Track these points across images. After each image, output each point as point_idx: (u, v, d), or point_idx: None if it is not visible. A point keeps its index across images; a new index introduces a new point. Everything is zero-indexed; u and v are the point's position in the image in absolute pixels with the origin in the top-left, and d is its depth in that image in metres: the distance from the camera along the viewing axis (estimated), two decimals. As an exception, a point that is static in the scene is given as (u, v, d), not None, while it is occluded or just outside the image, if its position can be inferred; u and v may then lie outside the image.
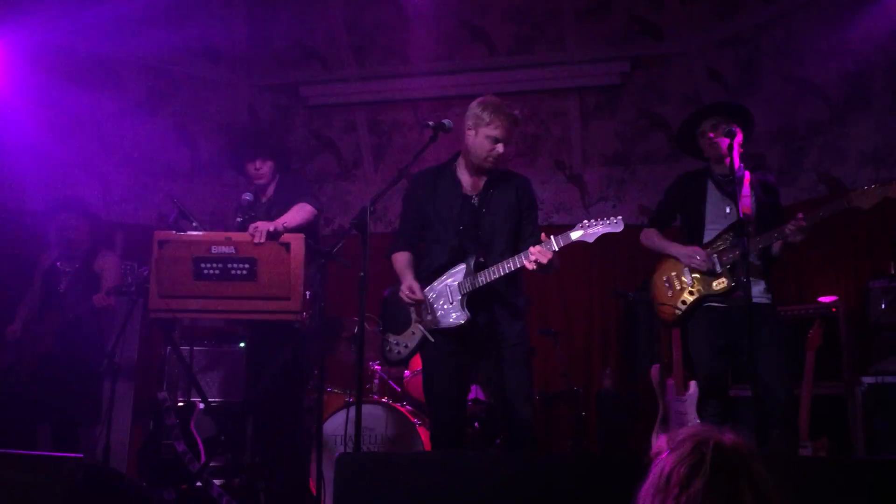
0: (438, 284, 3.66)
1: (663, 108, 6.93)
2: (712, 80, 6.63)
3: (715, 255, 3.81)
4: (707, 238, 3.91)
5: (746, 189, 3.87)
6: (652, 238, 4.11)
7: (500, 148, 3.65)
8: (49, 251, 5.05)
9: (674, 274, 4.03)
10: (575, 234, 3.41)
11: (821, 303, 5.37)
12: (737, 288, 3.74)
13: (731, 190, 3.77)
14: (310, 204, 4.26)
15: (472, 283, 3.55)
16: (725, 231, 3.83)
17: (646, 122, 7.02)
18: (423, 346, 3.69)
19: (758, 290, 3.79)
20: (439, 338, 3.63)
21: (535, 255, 3.35)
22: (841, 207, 3.59)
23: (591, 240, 3.42)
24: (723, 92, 6.61)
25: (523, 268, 3.45)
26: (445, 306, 3.62)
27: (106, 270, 4.95)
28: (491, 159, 3.66)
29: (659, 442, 1.51)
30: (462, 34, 7.00)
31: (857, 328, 5.30)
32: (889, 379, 4.93)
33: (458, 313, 3.58)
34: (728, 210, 3.84)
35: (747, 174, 3.94)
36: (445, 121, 3.66)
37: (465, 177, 3.75)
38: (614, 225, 3.40)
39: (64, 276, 4.92)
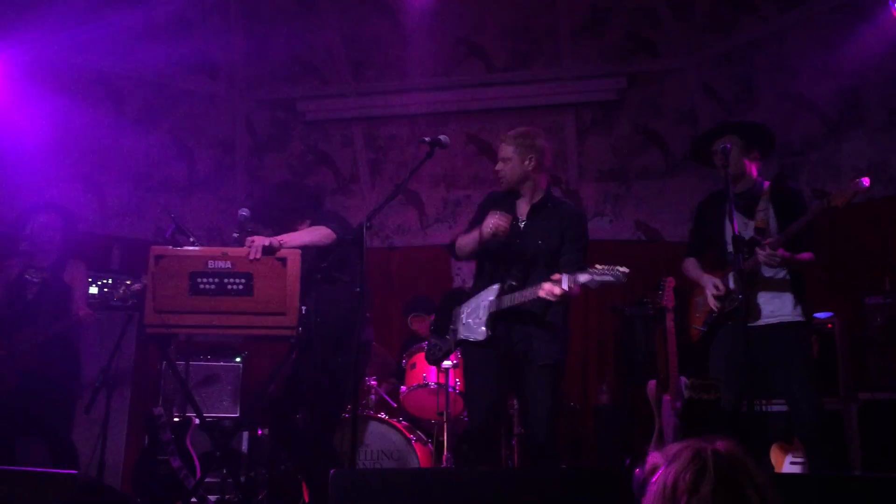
0: (475, 299, 3.79)
1: (659, 124, 6.96)
2: (708, 96, 6.66)
3: (731, 275, 3.81)
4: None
5: (763, 202, 3.87)
6: (688, 269, 4.15)
7: (498, 166, 3.87)
8: (11, 261, 4.91)
9: (703, 296, 4.05)
10: (582, 278, 3.44)
11: (816, 318, 5.37)
12: (746, 303, 3.73)
13: (744, 206, 3.83)
14: (329, 228, 4.09)
15: (497, 304, 3.65)
16: (747, 246, 3.82)
17: (642, 137, 7.05)
18: (461, 351, 3.89)
19: (785, 308, 3.78)
20: (475, 348, 3.75)
21: (545, 293, 3.46)
22: (821, 209, 3.59)
23: (594, 287, 3.46)
24: (718, 108, 6.65)
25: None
26: (475, 321, 3.74)
27: (76, 281, 4.84)
28: (498, 179, 3.90)
29: (652, 458, 1.56)
30: (459, 50, 7.04)
31: (852, 344, 5.31)
32: (885, 395, 4.93)
33: (482, 329, 3.68)
34: (746, 226, 3.84)
35: (765, 185, 3.94)
36: (442, 136, 3.69)
37: (520, 201, 3.89)
38: (619, 278, 3.41)
39: (31, 287, 4.80)
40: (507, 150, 3.83)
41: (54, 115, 6.44)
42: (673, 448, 1.55)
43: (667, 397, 5.31)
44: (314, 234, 4.07)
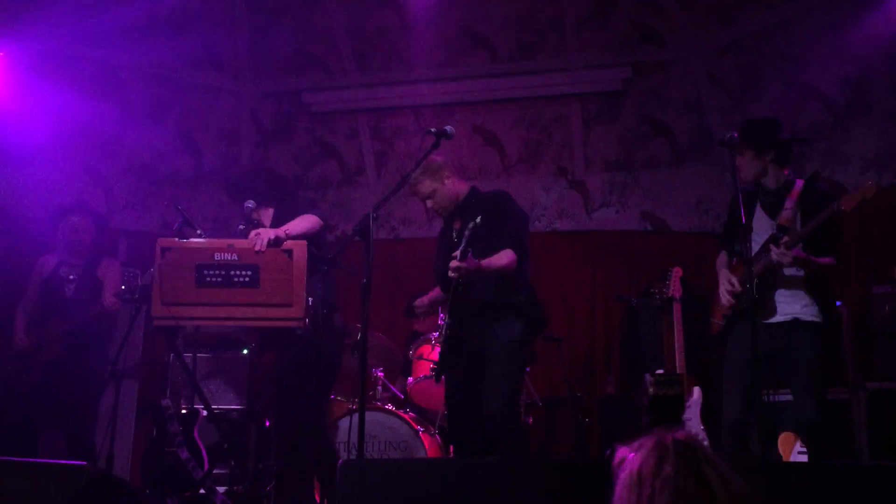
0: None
1: (665, 113, 6.93)
2: (714, 85, 6.63)
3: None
4: (753, 251, 3.91)
5: (790, 201, 3.86)
6: (717, 262, 4.15)
7: (427, 204, 4.17)
8: (46, 257, 5.03)
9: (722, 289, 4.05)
10: (458, 250, 3.70)
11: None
12: (762, 302, 3.73)
13: (771, 204, 3.85)
14: (315, 215, 4.23)
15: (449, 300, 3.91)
16: (763, 245, 3.82)
17: (648, 127, 7.02)
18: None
19: (799, 306, 3.76)
20: (447, 350, 3.95)
21: (451, 273, 3.73)
22: (828, 214, 3.58)
23: (463, 247, 3.68)
24: (725, 97, 6.62)
25: (510, 267, 3.86)
26: (445, 324, 3.99)
27: (109, 276, 4.95)
28: (435, 213, 4.25)
29: (620, 452, 1.72)
30: (464, 41, 7.01)
31: (860, 333, 5.29)
32: (892, 384, 4.92)
33: (445, 328, 3.96)
34: (769, 224, 3.85)
35: (798, 184, 3.92)
36: (448, 127, 3.70)
37: (455, 218, 4.16)
38: (470, 229, 3.67)
39: (69, 283, 4.90)
40: (424, 186, 4.07)
41: (60, 108, 6.44)
42: (638, 440, 1.69)
43: (673, 387, 5.31)
44: (307, 222, 4.15)
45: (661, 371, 5.20)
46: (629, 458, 1.67)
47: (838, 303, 5.34)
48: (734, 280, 3.86)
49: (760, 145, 3.86)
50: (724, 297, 3.89)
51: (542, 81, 7.02)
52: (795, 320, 3.73)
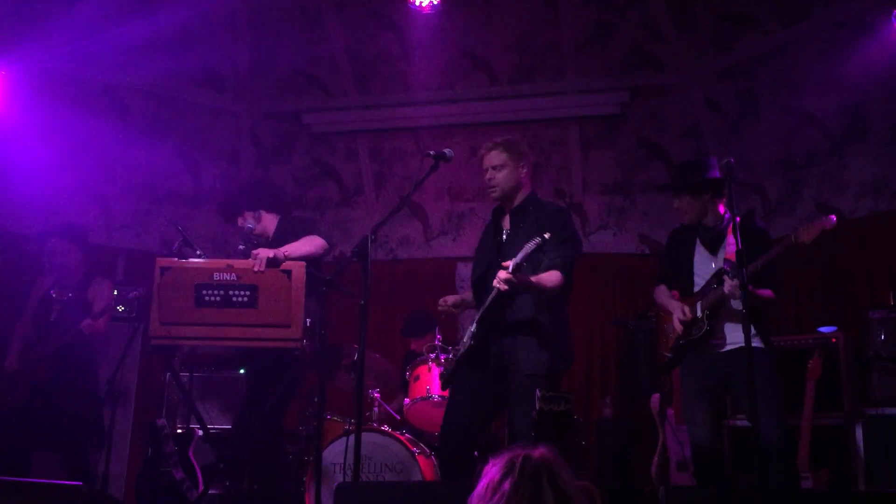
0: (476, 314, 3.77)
1: (663, 137, 6.98)
2: (711, 110, 6.68)
3: (699, 303, 3.86)
4: (696, 288, 3.96)
5: (731, 236, 3.91)
6: (658, 294, 4.19)
7: (488, 175, 3.83)
8: (43, 278, 5.02)
9: (670, 323, 4.09)
10: (513, 260, 3.44)
11: (820, 333, 5.37)
12: (712, 333, 3.82)
13: (710, 241, 3.95)
14: (321, 237, 4.20)
15: (483, 310, 3.62)
16: (711, 279, 3.88)
17: (645, 151, 7.06)
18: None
19: (743, 336, 3.81)
20: (465, 361, 3.75)
21: (496, 283, 3.45)
22: (788, 245, 3.62)
23: (521, 261, 3.42)
24: (722, 122, 6.66)
25: (555, 290, 3.60)
26: (468, 332, 3.74)
27: (98, 297, 4.90)
28: (489, 188, 3.84)
29: (489, 463, 1.78)
30: (463, 64, 7.07)
31: (857, 359, 5.30)
32: (889, 410, 4.92)
33: (468, 339, 3.71)
34: (710, 259, 3.95)
35: (736, 220, 3.98)
36: (446, 150, 3.73)
37: (507, 215, 3.90)
38: (536, 243, 3.42)
39: (55, 305, 4.87)
40: (498, 157, 3.80)
41: (61, 127, 6.47)
42: (503, 454, 1.78)
43: (670, 411, 5.31)
44: (311, 245, 4.13)
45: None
46: (489, 469, 1.76)
47: (834, 328, 5.36)
48: (686, 309, 3.90)
49: (694, 187, 3.94)
50: (678, 325, 3.92)
51: (541, 104, 7.06)
52: (742, 347, 3.76)
